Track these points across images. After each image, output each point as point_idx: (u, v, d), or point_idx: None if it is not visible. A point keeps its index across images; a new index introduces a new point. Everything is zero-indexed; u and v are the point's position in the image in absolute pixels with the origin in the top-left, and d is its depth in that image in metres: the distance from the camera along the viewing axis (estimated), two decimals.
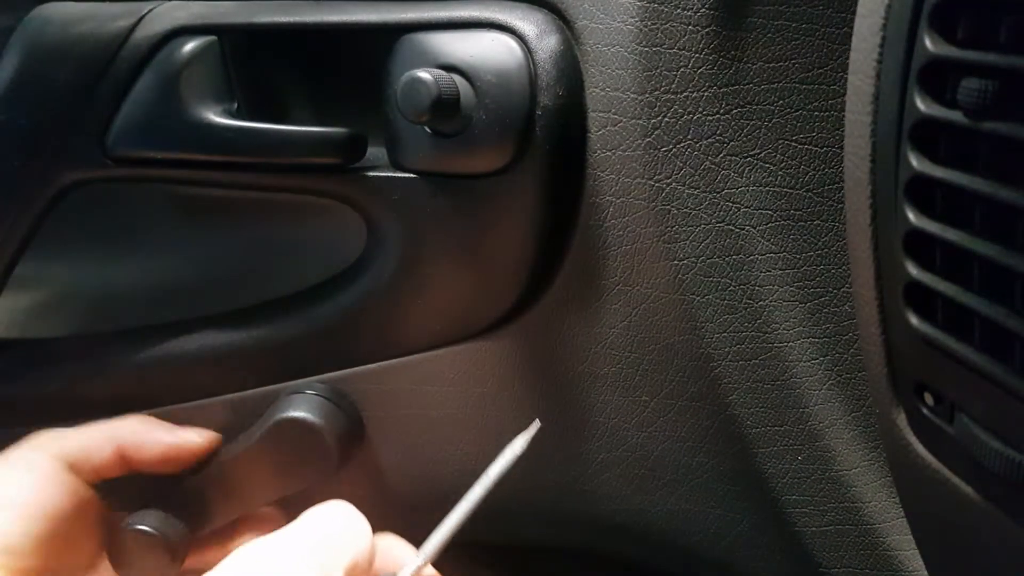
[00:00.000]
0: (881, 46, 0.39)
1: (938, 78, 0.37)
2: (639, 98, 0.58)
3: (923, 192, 0.38)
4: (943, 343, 0.38)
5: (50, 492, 0.58)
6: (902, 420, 0.43)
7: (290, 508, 0.67)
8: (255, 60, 0.69)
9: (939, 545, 0.47)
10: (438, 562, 0.58)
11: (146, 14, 0.66)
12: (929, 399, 0.40)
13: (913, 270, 0.39)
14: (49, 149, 0.66)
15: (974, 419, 0.38)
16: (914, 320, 0.39)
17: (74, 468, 0.60)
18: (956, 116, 0.35)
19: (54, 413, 0.70)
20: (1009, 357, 0.35)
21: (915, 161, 0.38)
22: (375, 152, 0.65)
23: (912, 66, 0.37)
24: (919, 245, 0.38)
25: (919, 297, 0.39)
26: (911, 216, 0.38)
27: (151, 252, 0.76)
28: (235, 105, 0.67)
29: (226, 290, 0.74)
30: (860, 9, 0.41)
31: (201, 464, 0.66)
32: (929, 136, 0.37)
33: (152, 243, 0.76)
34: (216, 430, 0.67)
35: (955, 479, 0.40)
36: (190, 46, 0.65)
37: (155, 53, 0.65)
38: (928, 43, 0.36)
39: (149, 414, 0.69)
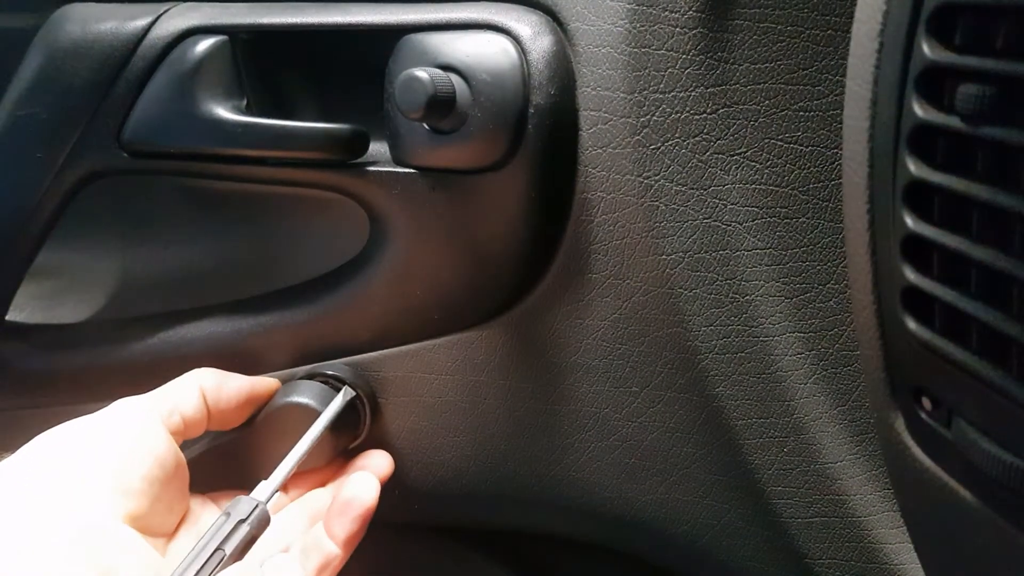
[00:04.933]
0: (879, 52, 0.37)
1: (936, 84, 0.34)
2: (628, 97, 0.55)
3: (921, 197, 0.35)
4: (941, 348, 0.35)
5: (154, 441, 0.55)
6: (900, 424, 0.40)
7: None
8: (264, 59, 0.67)
9: (937, 549, 0.44)
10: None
11: (162, 14, 0.65)
12: (927, 403, 0.38)
13: (911, 275, 0.36)
14: (69, 142, 0.65)
15: (972, 423, 0.35)
16: (912, 325, 0.36)
17: (167, 425, 0.58)
18: (954, 121, 0.33)
19: (72, 396, 0.69)
20: (1006, 362, 0.32)
21: (913, 166, 0.35)
22: (377, 148, 0.63)
23: (910, 72, 0.35)
24: (917, 250, 0.36)
25: (917, 302, 0.36)
26: (909, 221, 0.35)
27: (164, 242, 0.75)
28: (244, 102, 0.65)
29: (235, 280, 0.72)
30: (858, 15, 0.39)
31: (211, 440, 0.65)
32: (927, 141, 0.34)
33: (165, 233, 0.75)
34: None
35: (953, 483, 0.37)
36: (203, 45, 0.63)
37: (169, 51, 0.64)
38: (926, 49, 0.33)
39: None
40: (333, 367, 0.66)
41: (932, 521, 0.42)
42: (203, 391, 0.60)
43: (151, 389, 0.61)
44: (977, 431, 0.34)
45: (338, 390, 0.64)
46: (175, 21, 0.64)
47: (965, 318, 0.33)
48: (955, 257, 0.33)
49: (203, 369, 0.62)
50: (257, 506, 0.54)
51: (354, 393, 0.65)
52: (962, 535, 0.39)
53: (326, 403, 0.63)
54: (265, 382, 0.64)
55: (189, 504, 0.60)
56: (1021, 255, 0.31)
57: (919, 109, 0.34)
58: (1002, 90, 0.31)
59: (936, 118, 0.33)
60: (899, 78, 0.35)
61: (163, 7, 0.65)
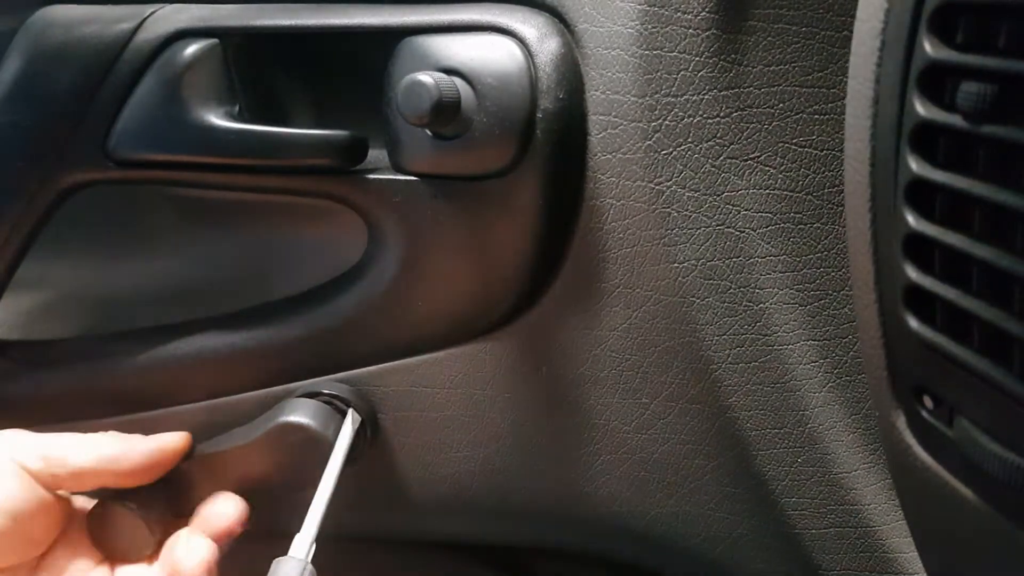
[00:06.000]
0: (880, 50, 0.39)
1: (937, 82, 0.37)
2: (639, 101, 0.58)
3: (923, 195, 0.38)
4: (942, 346, 0.37)
5: (8, 489, 0.59)
6: (902, 423, 0.43)
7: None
8: (257, 63, 0.69)
9: (939, 548, 0.47)
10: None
11: (148, 17, 0.66)
12: (928, 402, 0.40)
13: (912, 273, 0.38)
14: (51, 151, 0.66)
15: (973, 422, 0.37)
16: (914, 323, 0.39)
17: (36, 472, 0.61)
18: (955, 120, 0.35)
19: (56, 414, 0.70)
20: (1008, 360, 0.35)
21: (914, 165, 0.37)
22: (376, 154, 0.65)
23: (911, 70, 0.37)
24: (919, 248, 0.38)
25: (919, 300, 0.39)
26: (910, 219, 0.38)
27: (153, 254, 0.76)
28: (237, 108, 0.66)
29: (227, 292, 0.74)
30: (859, 13, 0.41)
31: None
32: (928, 140, 0.37)
33: (154, 245, 0.76)
34: (216, 431, 0.67)
35: (954, 482, 0.40)
36: (192, 49, 0.65)
37: (157, 56, 0.65)
38: (927, 47, 0.36)
39: (150, 415, 0.69)
40: (333, 386, 0.68)
41: (933, 519, 0.44)
42: (99, 458, 0.62)
43: (138, 407, 0.64)
44: (979, 429, 0.37)
45: (340, 411, 0.66)
46: (163, 23, 0.65)
47: (967, 316, 0.36)
48: (957, 255, 0.36)
49: (105, 434, 0.63)
50: (305, 568, 0.59)
51: (360, 419, 0.67)
52: (963, 533, 0.41)
53: (327, 424, 0.65)
54: (172, 440, 0.65)
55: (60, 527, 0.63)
56: (1022, 253, 0.33)
57: (921, 107, 0.37)
58: (1004, 88, 0.33)
59: (938, 116, 0.36)
60: (901, 76, 0.38)
61: (150, 9, 0.66)
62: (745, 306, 0.60)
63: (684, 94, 0.57)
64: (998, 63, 0.33)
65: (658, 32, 0.57)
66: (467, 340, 0.66)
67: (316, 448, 0.65)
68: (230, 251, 0.74)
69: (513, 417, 0.67)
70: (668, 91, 0.57)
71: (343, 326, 0.67)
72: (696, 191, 0.58)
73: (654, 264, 0.60)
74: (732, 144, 0.58)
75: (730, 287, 0.60)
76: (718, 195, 0.58)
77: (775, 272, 0.59)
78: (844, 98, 0.56)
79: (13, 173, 0.67)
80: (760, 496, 0.64)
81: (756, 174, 0.58)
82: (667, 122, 0.58)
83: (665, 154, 0.58)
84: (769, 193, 0.59)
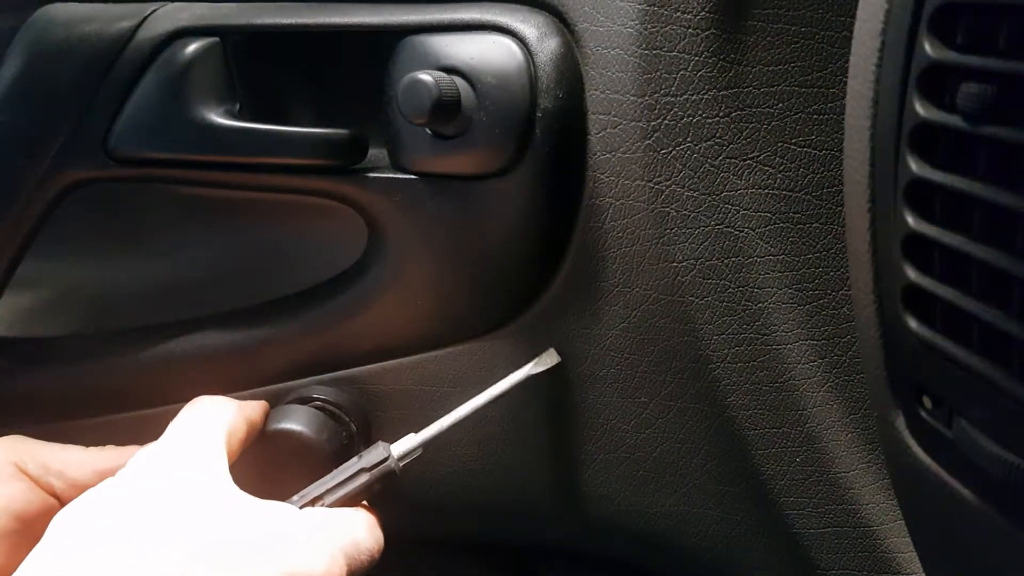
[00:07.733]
0: (880, 50, 0.39)
1: (937, 82, 0.36)
2: (639, 100, 0.58)
3: (922, 196, 0.38)
4: (942, 347, 0.37)
5: (11, 491, 0.59)
6: (901, 423, 0.43)
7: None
8: (257, 61, 0.69)
9: (937, 548, 0.47)
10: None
11: (149, 15, 0.66)
12: (928, 402, 0.40)
13: (912, 274, 0.38)
14: (52, 149, 0.66)
15: (972, 423, 0.37)
16: (913, 324, 0.39)
17: (41, 477, 0.61)
18: (955, 120, 0.35)
19: (53, 412, 0.70)
20: (1007, 361, 0.35)
21: (914, 165, 0.37)
22: (376, 153, 0.65)
23: (911, 70, 0.37)
24: (918, 249, 0.38)
25: (918, 301, 0.39)
26: (910, 220, 0.38)
27: (152, 252, 0.76)
28: (237, 106, 0.67)
29: (227, 290, 0.74)
30: (860, 13, 0.41)
31: None
32: (928, 140, 0.37)
33: (153, 243, 0.76)
34: None
35: (953, 482, 0.40)
36: (193, 47, 0.65)
37: (158, 54, 0.65)
38: (927, 48, 0.36)
39: (148, 413, 0.69)
40: (325, 391, 0.68)
41: (932, 520, 0.44)
42: (95, 472, 0.62)
43: (137, 405, 0.63)
44: (978, 430, 0.37)
45: (332, 416, 0.66)
46: (163, 22, 0.65)
47: (966, 317, 0.36)
48: (956, 256, 0.36)
49: (103, 449, 0.63)
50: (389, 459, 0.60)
51: (355, 428, 0.67)
52: (962, 534, 0.41)
53: (321, 430, 0.65)
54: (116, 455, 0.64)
55: None
56: (1022, 254, 0.33)
57: (920, 108, 0.37)
58: (1004, 89, 0.33)
59: (937, 117, 0.36)
60: (901, 77, 0.38)
61: (150, 7, 0.66)
62: (744, 305, 0.60)
63: (683, 94, 0.57)
64: (998, 64, 0.33)
65: (658, 32, 0.57)
66: (467, 339, 0.66)
67: (310, 454, 0.64)
68: (230, 249, 0.75)
69: (512, 416, 0.67)
70: (667, 91, 0.57)
71: (343, 324, 0.67)
72: (695, 190, 0.58)
73: (653, 263, 0.60)
74: (731, 144, 0.58)
75: (729, 286, 0.60)
76: (717, 194, 0.58)
77: (774, 272, 0.59)
78: (844, 98, 0.55)
79: (13, 171, 0.67)
80: (758, 495, 0.64)
81: (755, 174, 0.58)
82: (666, 121, 0.58)
83: (664, 153, 0.58)
84: (768, 193, 0.59)
